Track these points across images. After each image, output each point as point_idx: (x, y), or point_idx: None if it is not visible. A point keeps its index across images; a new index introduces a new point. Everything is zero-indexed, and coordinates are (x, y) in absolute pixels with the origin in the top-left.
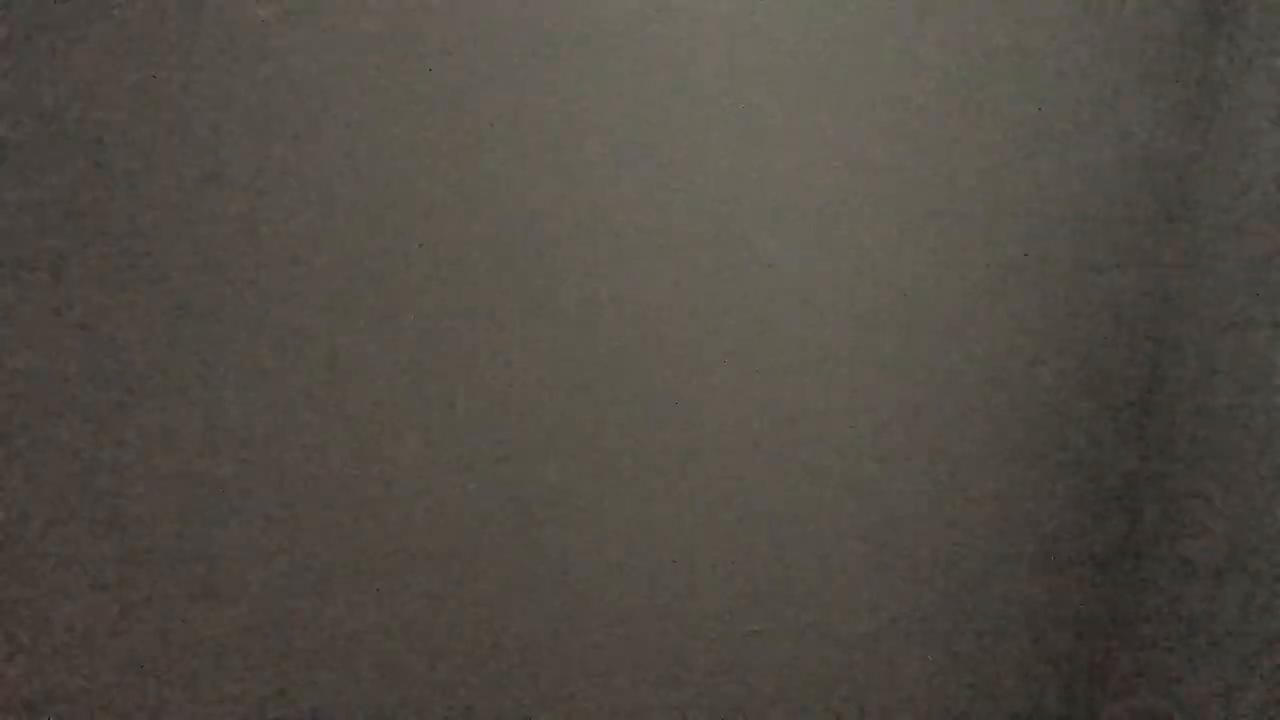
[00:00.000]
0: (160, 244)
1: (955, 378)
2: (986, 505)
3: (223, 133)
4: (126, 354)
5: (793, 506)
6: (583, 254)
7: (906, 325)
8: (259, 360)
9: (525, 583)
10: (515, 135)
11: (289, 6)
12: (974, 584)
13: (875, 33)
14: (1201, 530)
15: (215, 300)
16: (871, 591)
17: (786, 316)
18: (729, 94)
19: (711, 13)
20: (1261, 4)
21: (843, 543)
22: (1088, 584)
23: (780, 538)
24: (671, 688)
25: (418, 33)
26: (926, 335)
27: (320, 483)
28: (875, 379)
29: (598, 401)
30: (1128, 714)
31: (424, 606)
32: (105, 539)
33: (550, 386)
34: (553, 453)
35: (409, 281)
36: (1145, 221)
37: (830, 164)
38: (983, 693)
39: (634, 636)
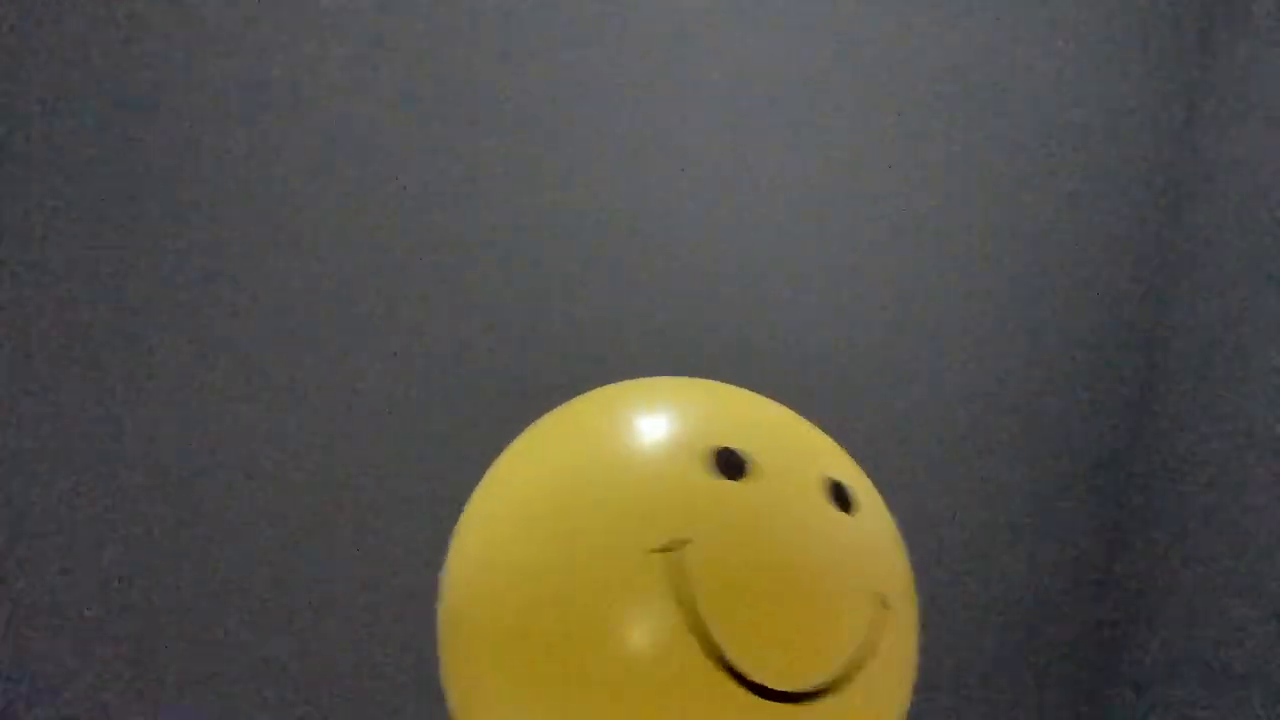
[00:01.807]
0: (161, 244)
1: (951, 377)
2: (981, 505)
3: (221, 130)
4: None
5: None
6: (578, 257)
7: (901, 326)
8: (262, 359)
9: None
10: (514, 135)
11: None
12: (965, 584)
13: (871, 33)
14: (1201, 530)
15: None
16: None
17: (781, 317)
18: (723, 93)
19: (708, 10)
20: (1263, 4)
21: None
22: (1083, 583)
23: None
24: None
25: (412, 31)
26: (920, 336)
27: (318, 484)
28: (869, 380)
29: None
30: None
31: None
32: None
33: (547, 387)
34: None
35: (409, 279)
36: (1144, 221)
37: (828, 164)
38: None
39: None
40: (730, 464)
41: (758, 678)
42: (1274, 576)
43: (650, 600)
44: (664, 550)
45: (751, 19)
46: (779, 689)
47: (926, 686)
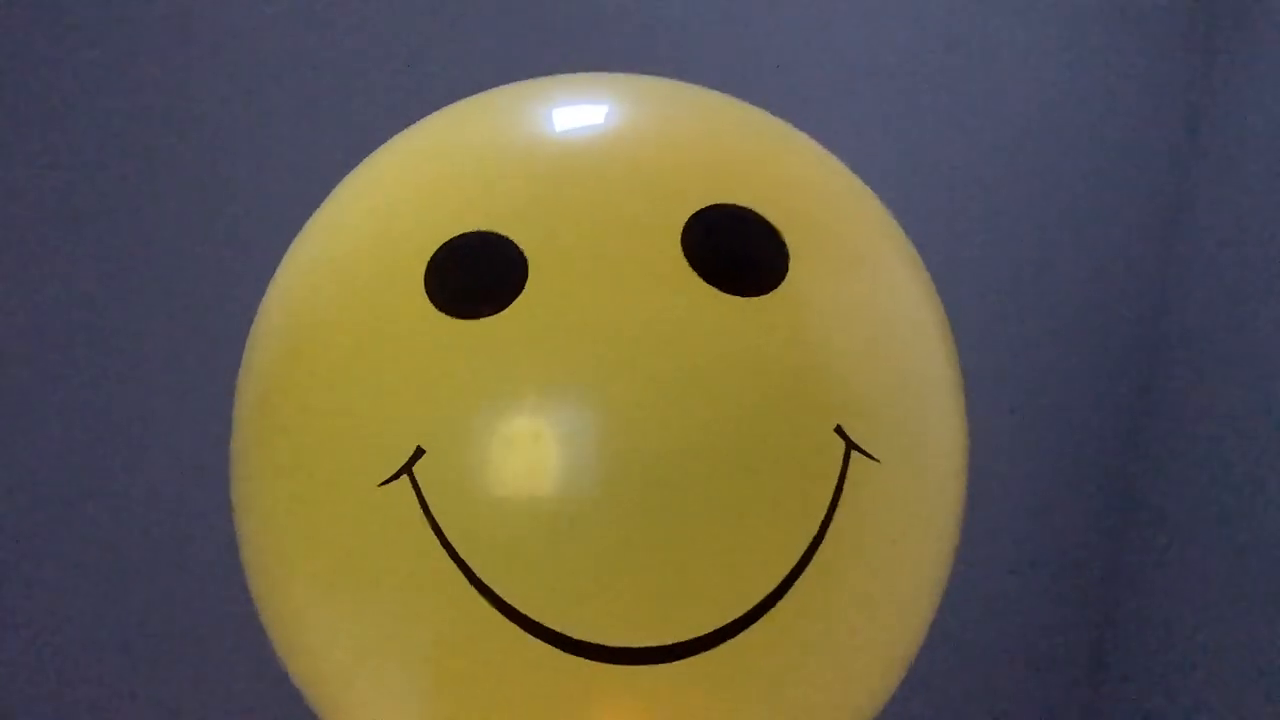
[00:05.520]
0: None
1: None
2: (980, 505)
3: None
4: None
5: None
6: None
7: None
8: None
9: None
10: None
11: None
12: (961, 586)
13: (869, 32)
14: (1201, 531)
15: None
16: None
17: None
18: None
19: (708, 7)
20: (1262, 5)
21: None
22: (1082, 586)
23: None
24: None
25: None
26: None
27: None
28: None
29: None
30: None
31: None
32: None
33: None
34: None
35: None
36: (1145, 223)
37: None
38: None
39: None
40: (460, 286)
41: (577, 633)
42: (1276, 576)
43: (403, 545)
44: (393, 479)
45: None
46: (608, 644)
47: (921, 686)
